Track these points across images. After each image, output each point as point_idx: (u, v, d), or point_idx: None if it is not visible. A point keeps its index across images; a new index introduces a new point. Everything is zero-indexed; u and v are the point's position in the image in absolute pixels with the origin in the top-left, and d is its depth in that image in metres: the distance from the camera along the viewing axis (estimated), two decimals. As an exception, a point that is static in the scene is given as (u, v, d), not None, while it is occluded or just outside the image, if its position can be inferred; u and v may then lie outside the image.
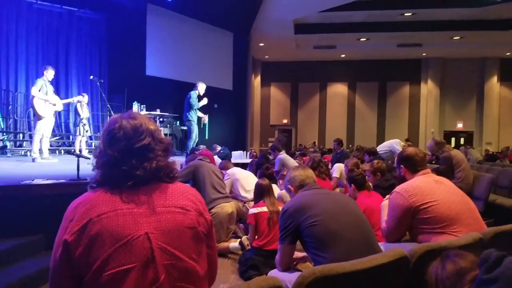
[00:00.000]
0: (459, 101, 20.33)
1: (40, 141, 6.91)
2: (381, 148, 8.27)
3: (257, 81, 20.30)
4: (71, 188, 3.99)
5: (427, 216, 2.33)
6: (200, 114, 8.25)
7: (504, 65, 19.54)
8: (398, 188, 2.55)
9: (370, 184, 4.27)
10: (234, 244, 4.17)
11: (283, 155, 7.09)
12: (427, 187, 2.44)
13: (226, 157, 8.53)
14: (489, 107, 19.74)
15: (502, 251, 0.97)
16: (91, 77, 9.09)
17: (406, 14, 14.64)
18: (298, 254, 2.46)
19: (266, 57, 19.96)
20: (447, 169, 5.43)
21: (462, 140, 19.96)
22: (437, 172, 3.97)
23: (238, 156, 10.08)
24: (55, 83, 10.29)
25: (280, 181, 4.95)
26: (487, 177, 5.55)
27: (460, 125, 20.54)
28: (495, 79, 19.64)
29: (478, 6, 13.51)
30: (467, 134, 20.46)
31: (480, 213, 2.49)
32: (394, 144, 8.05)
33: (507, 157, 13.26)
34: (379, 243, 2.28)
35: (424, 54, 19.44)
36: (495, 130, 19.85)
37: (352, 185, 3.87)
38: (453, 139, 20.12)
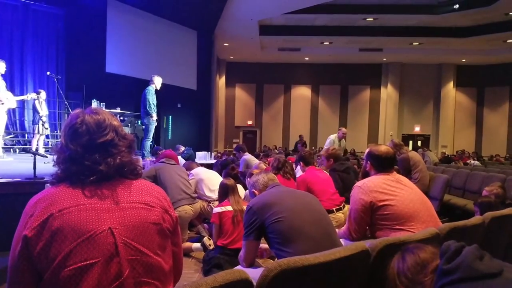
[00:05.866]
0: (417, 105, 21.06)
1: (-7, 138, 6.62)
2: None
3: (221, 81, 20.19)
4: (28, 187, 3.81)
5: (386, 212, 2.41)
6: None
7: (460, 71, 20.40)
8: (359, 183, 2.62)
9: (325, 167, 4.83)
10: (197, 244, 4.14)
11: (247, 156, 7.11)
12: (388, 184, 2.52)
13: (190, 158, 8.44)
14: (445, 112, 20.54)
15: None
16: (48, 73, 8.71)
17: (368, 19, 15.04)
18: (262, 246, 2.50)
19: (231, 57, 19.91)
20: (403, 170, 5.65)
21: (419, 143, 20.67)
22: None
23: (202, 156, 9.99)
24: (9, 78, 9.82)
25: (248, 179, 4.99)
26: (442, 178, 5.79)
27: (417, 129, 21.29)
28: (451, 84, 20.46)
29: (436, 13, 14.15)
30: (424, 137, 21.23)
31: (436, 212, 2.60)
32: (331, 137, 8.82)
33: (461, 160, 13.91)
34: (341, 240, 2.34)
35: (384, 59, 20.00)
36: (450, 134, 20.70)
37: (301, 162, 4.11)
38: (410, 142, 20.79)
